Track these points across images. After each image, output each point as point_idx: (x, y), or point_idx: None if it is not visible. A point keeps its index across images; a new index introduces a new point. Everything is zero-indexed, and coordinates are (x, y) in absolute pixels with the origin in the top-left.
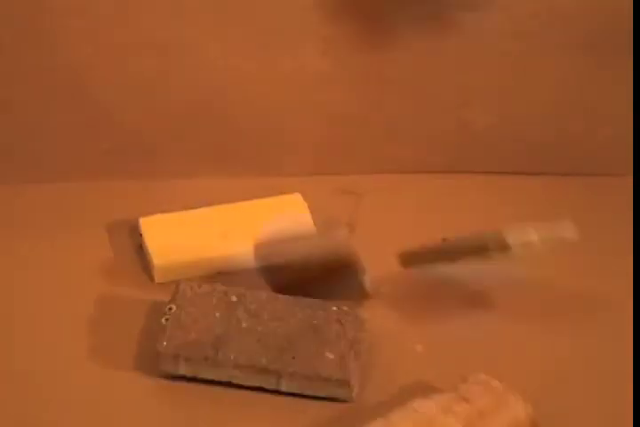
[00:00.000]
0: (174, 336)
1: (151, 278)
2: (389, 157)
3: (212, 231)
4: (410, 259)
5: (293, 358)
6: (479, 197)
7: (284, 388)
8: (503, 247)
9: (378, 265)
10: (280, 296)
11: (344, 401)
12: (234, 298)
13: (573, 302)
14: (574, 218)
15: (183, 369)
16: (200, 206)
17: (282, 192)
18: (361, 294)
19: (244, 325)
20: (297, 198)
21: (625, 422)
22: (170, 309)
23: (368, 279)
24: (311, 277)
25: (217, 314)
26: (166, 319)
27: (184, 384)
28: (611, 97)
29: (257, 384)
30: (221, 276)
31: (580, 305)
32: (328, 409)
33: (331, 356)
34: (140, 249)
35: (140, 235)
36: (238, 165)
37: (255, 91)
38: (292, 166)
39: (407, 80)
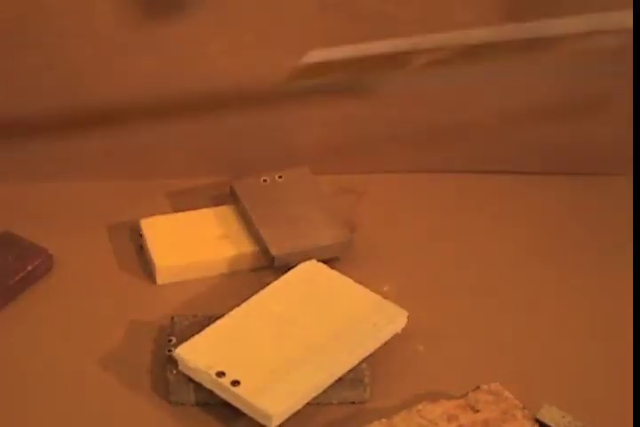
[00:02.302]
0: None
1: (152, 280)
2: (389, 157)
3: (213, 232)
4: None
5: None
6: (479, 197)
7: None
8: None
9: (378, 265)
10: None
11: (359, 403)
12: None
13: (574, 301)
14: (574, 218)
15: (194, 397)
16: (200, 207)
17: None
18: None
19: None
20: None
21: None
22: (170, 341)
23: None
24: None
25: None
26: (169, 350)
27: (195, 409)
28: (611, 97)
29: None
30: (223, 277)
31: (581, 304)
32: (335, 413)
33: None
34: (141, 250)
35: (141, 236)
36: (237, 165)
37: (255, 91)
38: (292, 166)
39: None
